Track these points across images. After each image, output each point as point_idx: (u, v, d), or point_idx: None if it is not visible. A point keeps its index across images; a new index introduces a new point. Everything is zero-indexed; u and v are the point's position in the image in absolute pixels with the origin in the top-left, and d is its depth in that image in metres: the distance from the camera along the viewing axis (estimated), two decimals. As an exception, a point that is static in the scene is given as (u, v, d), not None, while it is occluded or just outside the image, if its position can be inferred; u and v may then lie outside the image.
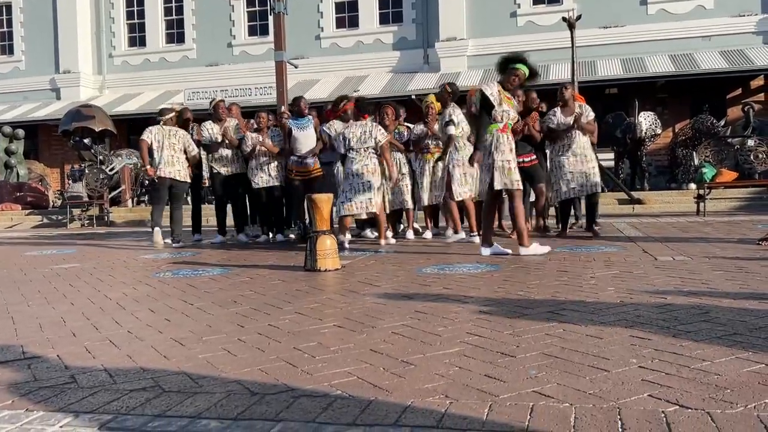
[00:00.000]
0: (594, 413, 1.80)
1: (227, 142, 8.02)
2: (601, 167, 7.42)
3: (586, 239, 6.89)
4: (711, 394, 1.91)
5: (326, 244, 5.15)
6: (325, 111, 8.12)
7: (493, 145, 5.63)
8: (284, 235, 8.12)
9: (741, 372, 2.11)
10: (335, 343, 2.72)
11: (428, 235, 7.73)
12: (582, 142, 7.03)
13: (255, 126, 8.04)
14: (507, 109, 5.76)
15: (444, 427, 1.74)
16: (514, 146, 5.91)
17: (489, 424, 1.75)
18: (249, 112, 9.07)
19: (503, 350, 2.49)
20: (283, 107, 8.19)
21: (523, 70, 5.77)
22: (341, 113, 7.68)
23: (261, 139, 7.87)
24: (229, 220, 8.55)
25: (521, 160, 7.30)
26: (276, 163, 7.91)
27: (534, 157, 7.35)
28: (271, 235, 8.21)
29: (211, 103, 8.40)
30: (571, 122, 6.97)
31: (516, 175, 5.67)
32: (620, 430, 1.68)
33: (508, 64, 5.81)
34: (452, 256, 5.78)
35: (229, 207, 8.48)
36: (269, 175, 7.90)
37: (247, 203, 8.53)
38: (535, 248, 5.63)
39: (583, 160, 7.02)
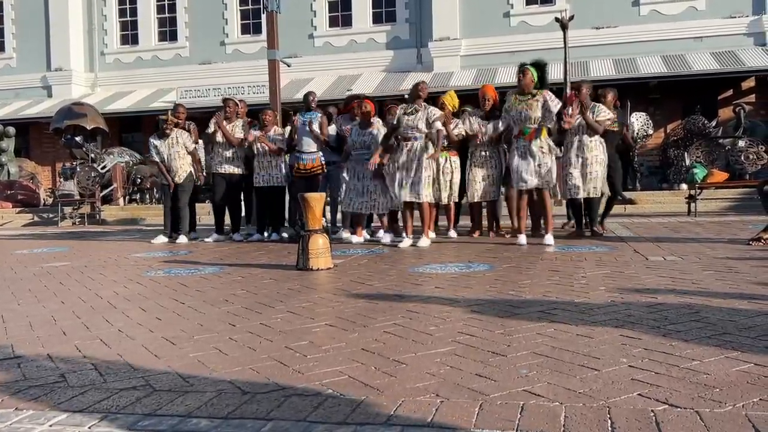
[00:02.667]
0: (584, 412, 1.81)
1: (225, 138, 8.02)
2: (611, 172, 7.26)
3: (577, 239, 6.92)
4: (700, 394, 1.92)
5: (318, 243, 5.14)
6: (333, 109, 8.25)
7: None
8: (279, 235, 8.10)
9: (730, 371, 2.12)
10: (327, 342, 2.72)
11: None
12: (587, 143, 6.92)
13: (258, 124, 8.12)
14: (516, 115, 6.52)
15: (435, 426, 1.74)
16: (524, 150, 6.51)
17: (480, 423, 1.75)
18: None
19: (494, 349, 2.50)
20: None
21: (531, 71, 6.44)
22: (349, 110, 7.80)
23: (256, 134, 7.92)
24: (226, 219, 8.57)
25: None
26: (279, 162, 7.94)
27: None
28: (266, 234, 8.18)
29: (223, 99, 8.44)
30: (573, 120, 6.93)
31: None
32: (610, 429, 1.69)
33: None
34: (444, 256, 5.79)
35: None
36: (270, 174, 7.92)
37: (242, 202, 8.55)
38: (520, 239, 6.50)
39: (585, 162, 6.90)
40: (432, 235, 7.01)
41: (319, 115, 7.85)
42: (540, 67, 6.52)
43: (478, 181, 7.35)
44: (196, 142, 8.67)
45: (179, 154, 8.20)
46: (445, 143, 7.40)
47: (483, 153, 7.37)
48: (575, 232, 7.34)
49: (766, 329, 2.66)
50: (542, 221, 6.98)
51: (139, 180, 16.42)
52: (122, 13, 21.07)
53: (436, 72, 17.59)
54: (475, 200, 7.46)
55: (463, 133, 7.40)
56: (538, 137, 6.46)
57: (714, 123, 15.15)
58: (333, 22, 19.22)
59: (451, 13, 17.86)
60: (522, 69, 6.51)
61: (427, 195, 6.69)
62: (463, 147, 7.53)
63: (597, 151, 6.93)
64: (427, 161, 6.66)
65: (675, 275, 4.20)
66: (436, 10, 17.88)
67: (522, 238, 6.52)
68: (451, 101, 7.49)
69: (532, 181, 6.47)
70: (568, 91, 7.78)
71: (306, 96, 8.05)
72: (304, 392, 2.06)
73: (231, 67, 19.53)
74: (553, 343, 2.55)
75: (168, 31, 20.65)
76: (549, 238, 6.48)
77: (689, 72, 15.30)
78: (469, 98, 9.62)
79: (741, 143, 13.55)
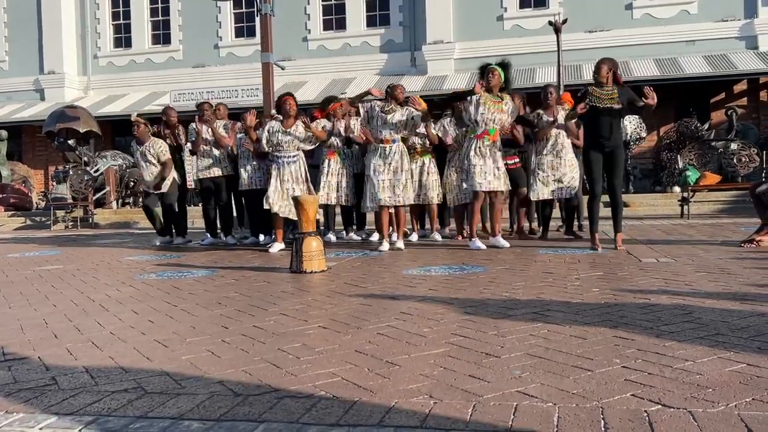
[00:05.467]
0: (577, 413, 1.81)
1: (215, 140, 7.95)
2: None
3: (570, 241, 6.93)
4: (693, 394, 1.92)
5: (312, 245, 5.13)
6: (313, 112, 8.11)
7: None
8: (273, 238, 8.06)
9: (723, 371, 2.12)
10: (320, 344, 2.71)
11: (414, 237, 7.72)
12: (561, 144, 7.00)
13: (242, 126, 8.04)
14: (486, 114, 6.30)
15: (428, 427, 1.74)
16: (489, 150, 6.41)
17: (473, 424, 1.75)
18: (236, 114, 9.02)
19: (488, 351, 2.49)
20: (273, 111, 8.16)
21: (499, 71, 6.33)
22: (329, 113, 7.72)
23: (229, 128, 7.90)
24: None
25: (504, 162, 7.35)
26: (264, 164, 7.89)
27: (517, 159, 7.42)
28: (262, 237, 8.14)
29: (197, 104, 8.38)
30: (552, 120, 7.00)
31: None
32: (603, 429, 1.69)
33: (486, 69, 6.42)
34: (438, 258, 5.78)
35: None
36: (259, 176, 7.87)
37: (233, 205, 8.51)
38: (477, 243, 6.35)
39: (562, 163, 6.98)
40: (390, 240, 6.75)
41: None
42: (506, 67, 6.48)
43: (456, 184, 7.33)
44: (185, 144, 8.58)
45: (150, 162, 8.09)
46: (426, 143, 7.40)
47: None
48: (568, 234, 7.38)
49: (759, 330, 2.67)
50: (489, 224, 6.98)
51: (132, 183, 16.36)
52: (115, 16, 21.01)
53: (430, 75, 17.61)
54: (456, 204, 7.46)
55: (438, 135, 7.36)
56: (499, 139, 6.48)
57: (706, 126, 15.21)
58: (327, 26, 19.22)
59: (445, 17, 17.89)
60: (491, 70, 6.39)
61: (406, 198, 6.61)
62: (437, 149, 7.53)
63: (569, 153, 7.02)
64: (406, 164, 6.61)
65: (668, 277, 4.21)
66: (430, 14, 17.91)
67: (477, 242, 6.37)
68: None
69: (494, 183, 6.40)
70: (561, 93, 7.86)
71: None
72: (297, 394, 2.05)
73: (225, 71, 19.49)
74: (546, 344, 2.55)
75: (161, 34, 20.60)
76: (499, 241, 6.40)
77: (682, 75, 15.37)
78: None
79: (733, 146, 13.61)
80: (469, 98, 6.42)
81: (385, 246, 6.61)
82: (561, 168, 6.97)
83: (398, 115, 6.62)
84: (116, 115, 18.92)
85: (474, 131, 6.43)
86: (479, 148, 6.39)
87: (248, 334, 2.96)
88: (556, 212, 8.75)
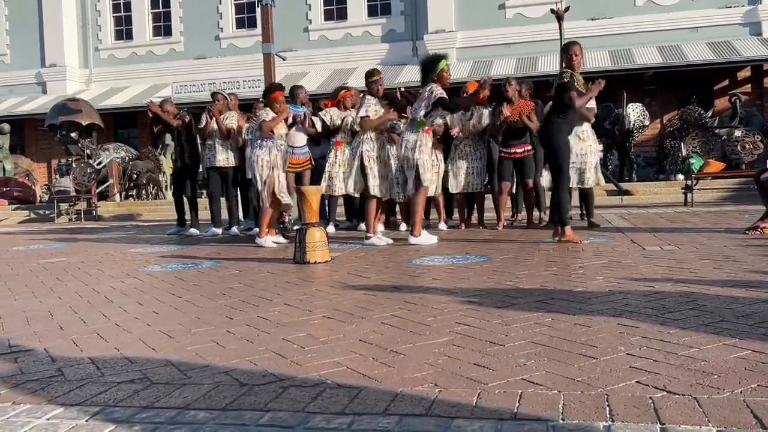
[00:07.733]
0: (582, 400, 1.81)
1: (220, 131, 7.96)
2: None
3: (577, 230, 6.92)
4: (698, 380, 1.92)
5: (315, 236, 5.14)
6: (323, 102, 8.12)
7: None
8: (279, 229, 8.06)
9: (728, 358, 2.12)
10: (324, 333, 2.72)
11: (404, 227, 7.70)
12: (580, 133, 6.85)
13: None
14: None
15: (433, 415, 1.74)
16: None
17: (478, 412, 1.75)
18: (243, 105, 9.02)
19: (492, 339, 2.49)
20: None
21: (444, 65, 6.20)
22: (339, 100, 7.71)
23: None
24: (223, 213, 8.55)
25: (514, 150, 7.32)
26: None
27: (528, 147, 7.31)
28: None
29: (211, 93, 8.41)
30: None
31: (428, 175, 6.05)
32: (608, 416, 1.69)
33: (433, 65, 6.18)
34: (441, 248, 5.78)
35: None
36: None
37: (239, 196, 8.53)
38: (424, 238, 6.05)
39: (578, 152, 6.84)
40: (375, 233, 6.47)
41: (307, 109, 7.82)
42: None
43: (462, 172, 7.31)
44: (195, 135, 8.59)
45: None
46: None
47: (467, 145, 7.35)
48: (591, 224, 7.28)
49: (764, 316, 2.66)
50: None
51: (135, 176, 16.38)
52: (116, 8, 20.98)
53: (432, 65, 17.55)
54: (458, 191, 7.45)
55: (441, 123, 7.28)
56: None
57: (710, 113, 15.16)
58: (328, 16, 19.17)
59: (447, 6, 17.82)
60: (447, 66, 6.26)
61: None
62: (444, 138, 7.49)
63: (590, 141, 6.95)
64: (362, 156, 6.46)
65: (672, 264, 4.20)
66: (432, 3, 17.84)
67: (423, 237, 6.13)
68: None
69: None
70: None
71: (295, 90, 8.02)
72: (303, 383, 2.06)
73: (226, 62, 19.48)
74: (551, 333, 2.55)
75: (162, 26, 20.58)
76: (412, 239, 6.15)
77: (685, 62, 15.31)
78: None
79: (737, 133, 13.56)
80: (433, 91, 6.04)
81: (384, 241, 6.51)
82: (577, 158, 6.86)
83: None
84: (118, 108, 18.94)
85: (423, 125, 6.08)
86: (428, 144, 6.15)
87: (253, 324, 2.97)
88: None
